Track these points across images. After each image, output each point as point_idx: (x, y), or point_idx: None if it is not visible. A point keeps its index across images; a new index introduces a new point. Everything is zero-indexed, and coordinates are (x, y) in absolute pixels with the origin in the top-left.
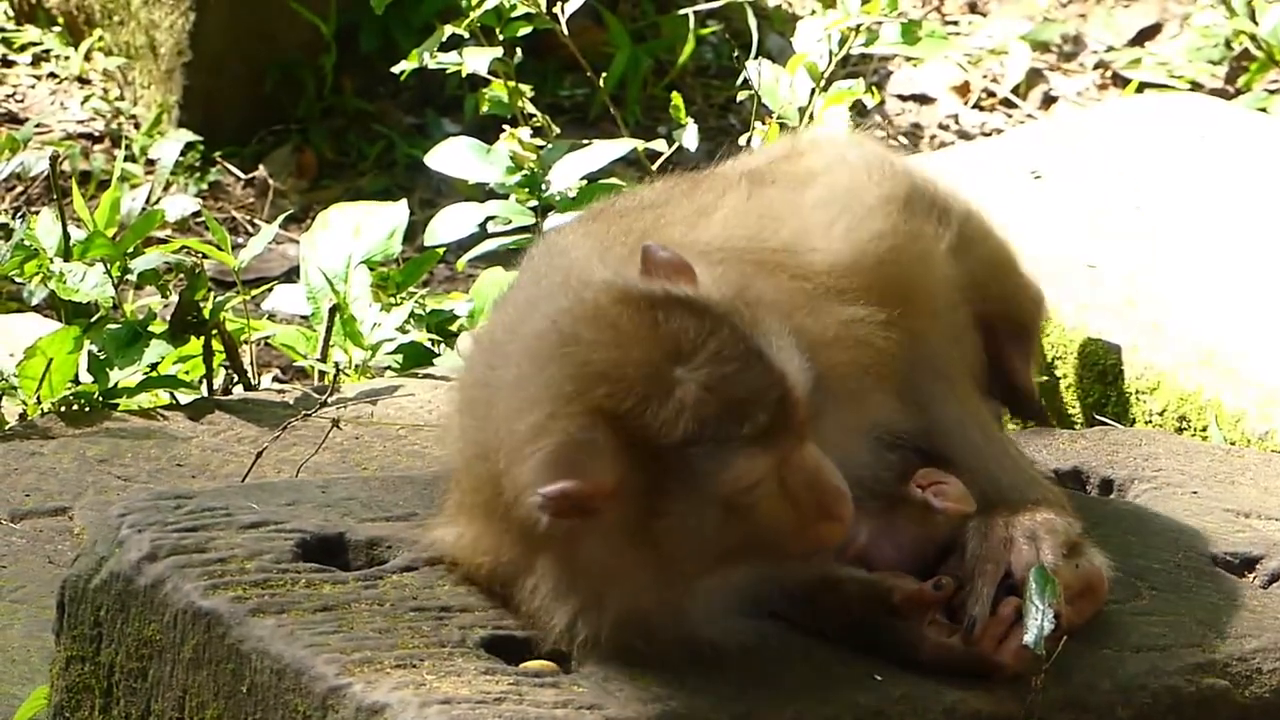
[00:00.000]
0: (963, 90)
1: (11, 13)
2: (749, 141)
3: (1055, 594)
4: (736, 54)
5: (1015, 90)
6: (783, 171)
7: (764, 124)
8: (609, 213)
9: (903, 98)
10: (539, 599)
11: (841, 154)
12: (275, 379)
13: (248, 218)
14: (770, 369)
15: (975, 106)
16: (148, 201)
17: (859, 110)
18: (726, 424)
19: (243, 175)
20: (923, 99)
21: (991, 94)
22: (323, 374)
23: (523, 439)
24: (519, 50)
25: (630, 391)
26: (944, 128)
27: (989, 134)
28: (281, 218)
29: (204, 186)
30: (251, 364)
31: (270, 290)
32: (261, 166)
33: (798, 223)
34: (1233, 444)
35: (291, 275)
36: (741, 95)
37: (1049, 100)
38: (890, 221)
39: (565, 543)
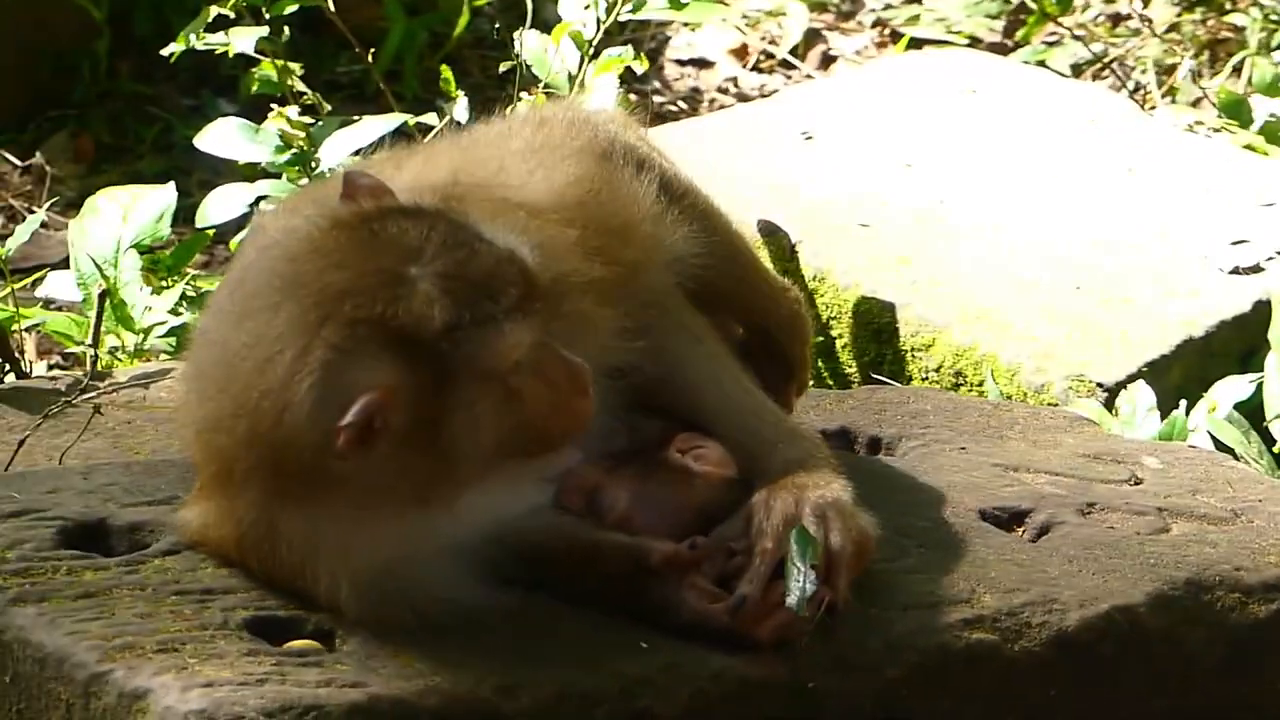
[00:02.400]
0: (741, 53)
1: None
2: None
3: (816, 555)
4: (498, 25)
5: (794, 51)
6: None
7: (530, 94)
8: (309, 192)
9: (681, 62)
10: (290, 564)
11: (550, 114)
12: (54, 366)
13: (25, 205)
14: (497, 248)
15: (754, 69)
16: None
17: (631, 76)
18: (480, 303)
19: (19, 163)
20: (702, 63)
21: (771, 56)
22: (95, 360)
23: (282, 381)
24: (289, 28)
25: (376, 297)
26: (723, 91)
27: (768, 95)
28: (49, 204)
29: None
30: (21, 352)
31: (44, 277)
32: (38, 153)
33: (498, 164)
34: (1009, 398)
35: (67, 262)
36: (507, 66)
37: (828, 60)
38: (585, 168)
39: (317, 488)
